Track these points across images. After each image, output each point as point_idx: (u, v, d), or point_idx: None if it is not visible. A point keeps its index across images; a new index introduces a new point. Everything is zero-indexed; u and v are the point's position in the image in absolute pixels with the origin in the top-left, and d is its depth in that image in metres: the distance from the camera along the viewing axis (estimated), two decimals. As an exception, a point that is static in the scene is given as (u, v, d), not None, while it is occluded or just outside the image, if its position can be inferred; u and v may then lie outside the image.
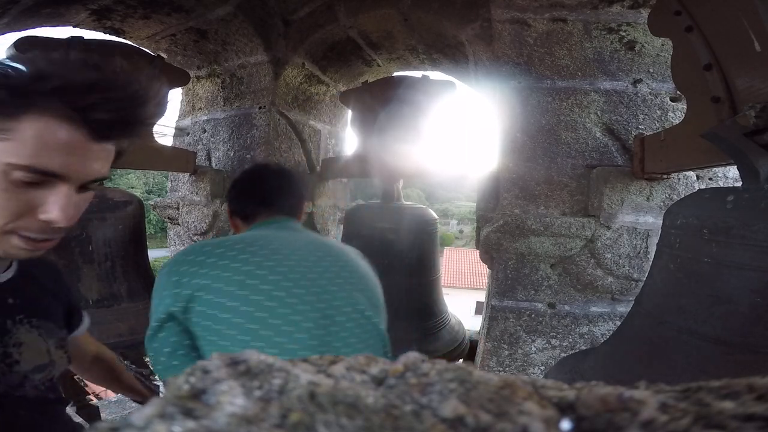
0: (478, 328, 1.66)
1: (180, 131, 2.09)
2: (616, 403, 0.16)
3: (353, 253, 0.87)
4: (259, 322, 0.67)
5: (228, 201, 0.94)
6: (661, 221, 0.84)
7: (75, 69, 0.48)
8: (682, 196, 1.08)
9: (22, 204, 0.48)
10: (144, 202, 1.58)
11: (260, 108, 1.82)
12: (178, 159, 1.81)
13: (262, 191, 0.89)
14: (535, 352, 1.35)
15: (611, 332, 1.20)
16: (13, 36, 1.35)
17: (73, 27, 1.62)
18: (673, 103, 1.26)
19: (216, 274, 0.69)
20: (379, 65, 2.02)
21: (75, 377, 1.53)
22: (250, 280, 0.69)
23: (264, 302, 0.68)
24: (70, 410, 0.82)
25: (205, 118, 1.99)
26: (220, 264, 0.70)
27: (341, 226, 1.75)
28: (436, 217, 1.66)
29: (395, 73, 2.07)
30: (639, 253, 1.23)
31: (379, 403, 0.16)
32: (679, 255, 0.75)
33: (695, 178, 1.24)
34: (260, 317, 0.67)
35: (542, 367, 1.34)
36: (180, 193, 2.01)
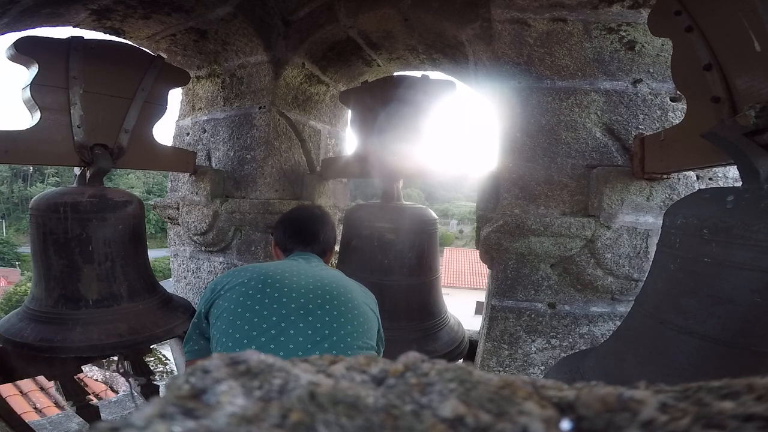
0: (478, 328, 1.66)
1: (180, 131, 2.09)
2: (616, 403, 0.16)
3: (353, 287, 1.01)
4: (234, 326, 0.87)
5: (274, 235, 1.18)
6: (661, 221, 0.84)
7: None
8: (682, 196, 1.07)
9: None
10: (144, 202, 1.58)
11: (260, 108, 1.82)
12: (178, 159, 1.81)
13: (302, 235, 1.13)
14: (535, 352, 1.35)
15: (611, 332, 1.20)
16: (13, 36, 1.35)
17: (73, 27, 1.63)
18: (673, 103, 1.26)
19: (231, 286, 0.93)
20: (379, 65, 2.02)
21: (75, 377, 1.53)
22: (243, 296, 0.90)
23: (244, 312, 0.88)
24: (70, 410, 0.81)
25: (205, 118, 1.99)
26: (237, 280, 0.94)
27: (341, 226, 1.74)
28: (436, 217, 1.66)
29: (395, 73, 2.07)
30: (639, 253, 1.23)
31: (379, 403, 0.16)
32: (679, 255, 0.75)
33: (695, 178, 1.24)
34: (238, 323, 0.87)
35: (542, 367, 1.34)
36: (180, 193, 2.01)
